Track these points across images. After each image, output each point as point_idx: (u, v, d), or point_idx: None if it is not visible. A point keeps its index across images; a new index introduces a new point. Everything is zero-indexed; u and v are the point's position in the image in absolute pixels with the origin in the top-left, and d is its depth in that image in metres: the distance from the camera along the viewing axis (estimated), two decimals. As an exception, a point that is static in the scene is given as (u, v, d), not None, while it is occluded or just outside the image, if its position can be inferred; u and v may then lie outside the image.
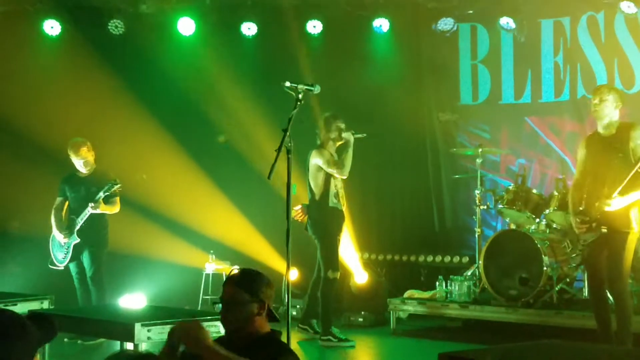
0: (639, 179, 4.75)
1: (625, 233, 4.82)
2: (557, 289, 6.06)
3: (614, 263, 4.87)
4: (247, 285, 2.69)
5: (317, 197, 6.11)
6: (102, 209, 6.25)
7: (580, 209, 4.99)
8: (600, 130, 5.02)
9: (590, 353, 3.40)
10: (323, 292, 6.05)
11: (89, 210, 6.22)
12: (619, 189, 4.71)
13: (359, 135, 6.15)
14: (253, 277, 2.75)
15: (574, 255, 6.13)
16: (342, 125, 6.13)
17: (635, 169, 4.69)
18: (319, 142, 6.18)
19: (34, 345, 1.72)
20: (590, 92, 5.49)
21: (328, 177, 6.08)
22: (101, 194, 6.18)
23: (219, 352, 2.48)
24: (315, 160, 6.07)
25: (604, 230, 4.83)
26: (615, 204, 4.74)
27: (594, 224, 4.88)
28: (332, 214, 6.11)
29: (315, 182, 6.11)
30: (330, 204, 6.09)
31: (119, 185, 6.21)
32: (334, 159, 6.07)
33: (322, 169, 6.06)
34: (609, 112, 4.92)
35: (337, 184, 6.14)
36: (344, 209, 6.23)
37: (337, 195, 6.13)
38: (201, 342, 2.49)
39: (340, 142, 6.14)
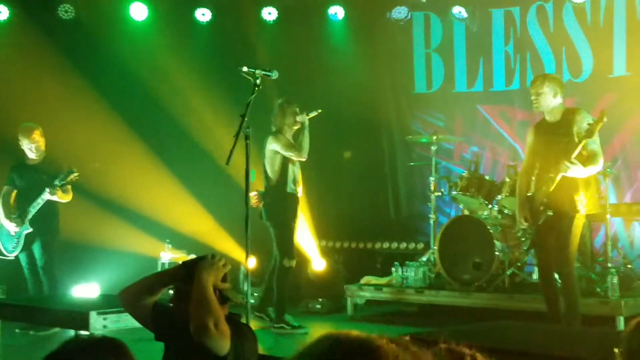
0: (593, 157, 4.88)
1: (571, 217, 4.95)
2: (508, 273, 6.20)
3: (561, 246, 4.98)
4: (180, 276, 2.72)
5: (273, 183, 6.08)
6: (60, 196, 6.12)
7: (529, 194, 5.10)
8: (546, 117, 5.12)
9: (539, 332, 3.50)
10: (278, 280, 6.04)
11: (45, 197, 6.08)
12: (575, 152, 4.79)
13: (314, 114, 6.12)
14: (186, 266, 2.77)
15: (523, 239, 6.28)
16: (297, 109, 6.12)
17: (585, 140, 4.79)
18: (274, 129, 6.15)
19: None
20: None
21: (285, 162, 6.05)
22: (57, 182, 6.05)
23: (205, 291, 2.56)
24: (273, 145, 6.04)
25: (550, 213, 4.96)
26: (574, 168, 4.80)
27: (541, 208, 5.02)
28: (289, 200, 6.08)
29: (272, 168, 6.08)
30: (288, 190, 6.06)
31: (76, 174, 6.10)
32: (291, 142, 6.06)
33: (279, 154, 6.03)
34: (549, 103, 5.01)
35: (295, 169, 6.13)
36: (300, 195, 6.24)
37: (294, 180, 6.12)
38: (201, 274, 2.58)
39: (296, 127, 6.13)
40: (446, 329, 3.63)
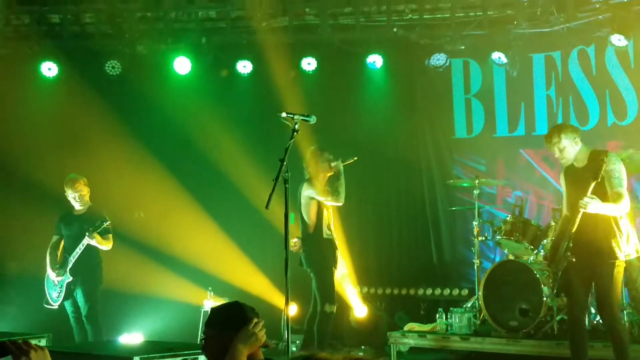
0: (615, 197, 4.84)
1: (611, 264, 4.86)
2: (557, 319, 6.01)
3: (603, 295, 4.92)
4: (211, 321, 2.79)
5: (310, 230, 6.09)
6: (98, 241, 6.24)
7: (571, 244, 4.98)
8: (574, 162, 5.09)
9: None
10: (319, 325, 5.98)
11: (85, 241, 6.20)
12: (589, 190, 4.74)
13: (349, 161, 6.19)
14: (217, 311, 2.85)
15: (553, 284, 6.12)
16: (331, 156, 6.17)
17: (595, 181, 4.73)
18: (307, 176, 6.18)
19: None
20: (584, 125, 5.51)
21: (320, 208, 6.08)
22: (92, 229, 6.17)
23: None
24: (308, 191, 6.08)
25: (572, 259, 4.88)
26: (592, 204, 4.75)
27: (567, 253, 4.93)
28: (326, 246, 6.09)
29: (308, 215, 6.11)
30: (324, 236, 6.08)
31: (108, 222, 6.24)
32: (326, 188, 6.09)
33: (314, 200, 6.06)
34: (573, 152, 5.01)
35: (329, 215, 6.15)
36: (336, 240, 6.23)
37: (329, 226, 6.13)
38: (237, 346, 2.61)
39: (330, 174, 6.17)
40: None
